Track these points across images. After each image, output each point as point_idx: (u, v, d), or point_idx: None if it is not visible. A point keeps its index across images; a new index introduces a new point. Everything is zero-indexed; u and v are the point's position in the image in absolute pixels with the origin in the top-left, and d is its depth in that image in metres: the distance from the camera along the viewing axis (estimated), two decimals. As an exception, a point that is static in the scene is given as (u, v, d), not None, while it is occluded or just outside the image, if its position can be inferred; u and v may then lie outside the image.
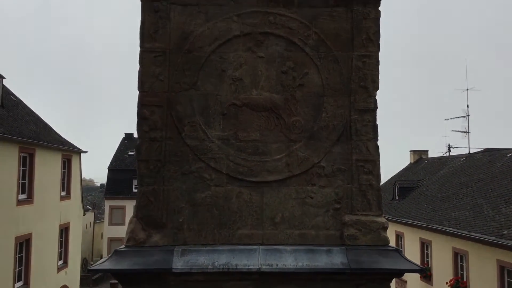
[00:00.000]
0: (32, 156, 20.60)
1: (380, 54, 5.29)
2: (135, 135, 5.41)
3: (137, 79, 5.10)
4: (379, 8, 5.28)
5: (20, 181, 19.70)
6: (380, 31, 5.27)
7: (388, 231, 5.18)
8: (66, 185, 25.00)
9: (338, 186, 5.17)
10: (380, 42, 5.30)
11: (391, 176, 34.41)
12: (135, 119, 5.06)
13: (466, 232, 17.93)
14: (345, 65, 5.23)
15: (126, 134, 51.08)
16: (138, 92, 5.08)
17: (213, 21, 5.18)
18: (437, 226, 20.57)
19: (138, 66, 5.10)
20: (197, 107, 5.13)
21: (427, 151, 34.97)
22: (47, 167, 21.98)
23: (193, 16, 5.18)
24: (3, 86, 20.86)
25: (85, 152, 27.47)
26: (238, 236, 5.04)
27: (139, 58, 5.08)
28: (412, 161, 34.28)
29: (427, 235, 21.94)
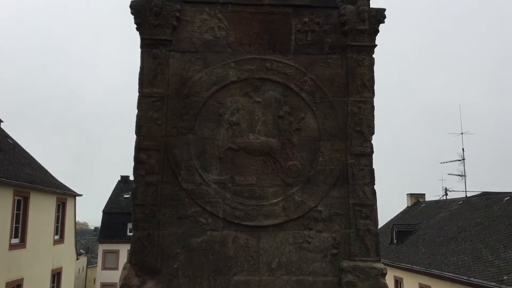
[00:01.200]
0: (26, 200, 20.40)
1: (375, 98, 5.37)
2: (131, 178, 5.40)
3: (134, 123, 5.14)
4: (373, 56, 5.41)
5: (14, 225, 19.41)
6: (375, 77, 5.37)
7: (386, 276, 5.10)
8: (59, 229, 24.63)
9: (335, 231, 5.12)
10: (375, 86, 5.39)
11: (389, 219, 34.15)
12: (132, 162, 5.07)
13: (466, 278, 17.62)
14: (341, 110, 5.31)
15: (122, 176, 50.80)
16: (135, 136, 5.10)
17: (211, 67, 5.29)
18: (436, 271, 20.23)
19: (136, 110, 5.15)
20: (194, 151, 5.15)
21: (424, 194, 34.88)
22: (41, 210, 21.73)
23: (192, 62, 5.29)
24: (1, 129, 20.93)
25: (80, 195, 27.25)
26: (234, 283, 4.94)
27: (138, 103, 5.14)
28: (409, 204, 34.11)
29: (426, 280, 21.53)
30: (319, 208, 5.15)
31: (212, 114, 5.23)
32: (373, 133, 5.27)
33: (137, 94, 5.16)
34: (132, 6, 5.22)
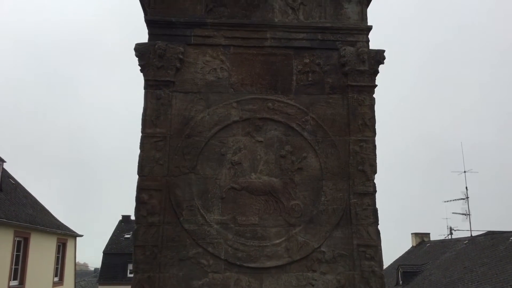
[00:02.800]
0: (27, 241, 20.19)
1: (377, 137, 5.39)
2: (133, 217, 5.35)
3: (136, 163, 5.14)
4: (374, 96, 5.47)
5: (13, 267, 19.11)
6: (376, 117, 5.41)
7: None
8: (59, 270, 24.25)
9: (339, 273, 5.02)
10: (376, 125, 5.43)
11: (394, 259, 33.54)
12: (133, 201, 5.04)
13: (475, 321, 17.10)
14: (343, 149, 5.31)
15: (123, 216, 50.40)
16: (137, 176, 5.10)
17: (213, 107, 5.34)
18: (445, 313, 19.66)
19: (138, 149, 5.17)
20: (196, 191, 5.13)
21: (428, 233, 34.43)
22: (41, 252, 21.46)
23: (194, 102, 5.35)
24: (3, 170, 20.97)
25: (81, 235, 26.98)
26: None
27: (140, 143, 5.17)
28: (414, 244, 33.60)
29: (434, 324, 20.89)
30: (322, 249, 5.07)
31: (214, 154, 5.24)
32: (375, 172, 5.26)
33: (140, 134, 5.19)
34: (136, 49, 5.33)
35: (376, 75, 5.52)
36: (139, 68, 5.35)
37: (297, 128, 5.36)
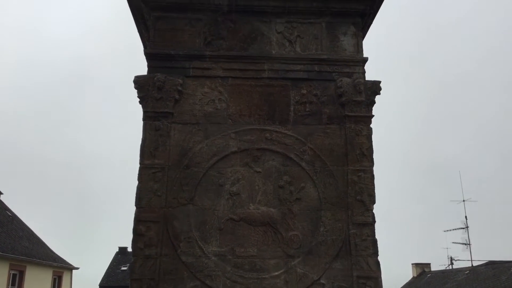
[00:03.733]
0: (22, 274, 19.87)
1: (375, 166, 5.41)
2: (129, 249, 5.29)
3: (134, 194, 5.12)
4: (371, 126, 5.51)
5: (6, 301, 18.73)
6: (373, 147, 5.44)
7: None
8: (54, 304, 23.75)
9: (340, 305, 4.93)
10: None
11: (395, 291, 32.95)
12: (130, 233, 5.00)
13: None
14: (341, 179, 5.31)
15: (120, 248, 49.69)
16: (135, 207, 5.07)
17: (212, 138, 5.37)
18: None
19: (136, 180, 5.16)
20: (194, 222, 5.09)
21: (429, 264, 33.95)
22: (37, 285, 21.08)
23: (193, 133, 5.37)
24: (0, 202, 20.85)
25: (77, 268, 26.57)
26: None
27: (138, 174, 5.16)
28: (415, 275, 33.11)
29: None
30: (322, 281, 5.00)
31: (213, 185, 5.23)
32: (374, 202, 5.25)
33: (138, 165, 5.20)
34: (136, 81, 5.40)
35: (372, 105, 5.58)
36: (138, 100, 5.40)
37: (295, 158, 5.37)
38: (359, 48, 5.76)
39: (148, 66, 5.54)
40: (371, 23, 6.14)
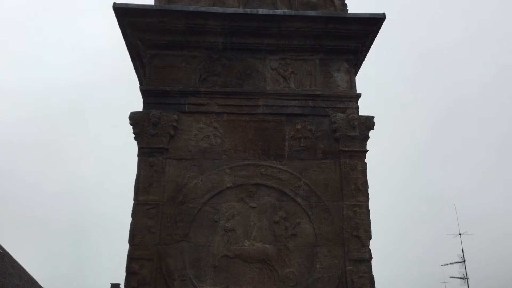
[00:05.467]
0: (11, 312, 19.30)
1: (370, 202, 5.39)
2: (122, 286, 5.18)
3: (128, 230, 5.06)
4: (365, 161, 5.53)
5: None
6: (368, 182, 5.44)
7: None
8: None
9: None
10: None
11: (394, 328, 32.22)
12: (123, 269, 4.91)
13: None
14: (337, 215, 5.28)
15: (112, 284, 48.58)
16: (128, 244, 5.00)
17: (207, 173, 5.35)
18: None
19: (129, 217, 5.11)
20: (188, 259, 5.01)
21: (428, 299, 33.35)
22: (25, 324, 20.46)
23: (188, 169, 5.36)
24: (-9, 237, 20.48)
25: (68, 306, 25.88)
26: None
27: (132, 210, 5.11)
28: (415, 311, 32.44)
29: None
30: (319, 319, 4.89)
31: (207, 221, 5.18)
32: (370, 237, 5.20)
33: (132, 201, 5.16)
34: (131, 117, 5.43)
35: (366, 140, 5.62)
36: (133, 136, 5.41)
37: (290, 194, 5.36)
38: (352, 84, 5.85)
39: (144, 102, 5.58)
40: (363, 59, 6.26)
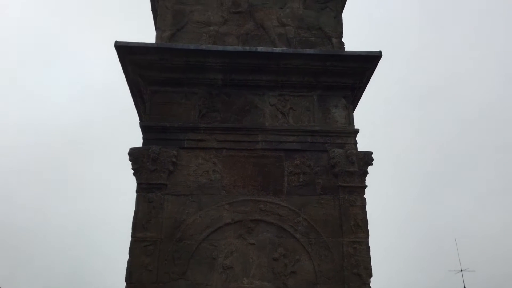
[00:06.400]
0: None
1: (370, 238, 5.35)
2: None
3: (125, 269, 4.99)
4: (364, 196, 5.52)
5: None
6: (368, 219, 5.41)
7: None
8: None
9: None
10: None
11: None
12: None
13: None
14: (337, 252, 5.23)
15: (108, 322, 47.47)
16: (125, 283, 4.92)
17: (205, 209, 5.33)
18: None
19: (126, 254, 5.05)
20: (186, 298, 4.91)
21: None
22: None
23: (186, 205, 5.34)
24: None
25: None
26: None
27: (130, 248, 5.06)
28: None
29: None
30: None
31: (206, 258, 5.12)
32: (371, 275, 5.13)
33: (130, 238, 5.11)
34: (130, 153, 5.44)
35: (365, 175, 5.63)
36: (132, 171, 5.41)
37: (289, 230, 5.31)
38: (350, 120, 5.91)
39: (144, 138, 5.62)
40: (361, 95, 6.35)
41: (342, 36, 6.36)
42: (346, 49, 6.24)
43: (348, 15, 7.28)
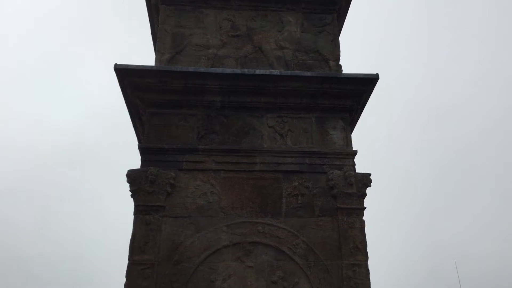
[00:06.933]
0: None
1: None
2: None
3: (122, 292, 4.93)
4: (363, 218, 5.49)
5: None
6: (367, 241, 5.38)
7: None
8: None
9: None
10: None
11: None
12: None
13: None
14: (335, 274, 5.18)
15: None
16: (122, 306, 4.86)
17: (203, 231, 5.29)
18: None
19: (123, 277, 5.00)
20: (183, 326, 4.84)
21: None
22: None
23: (184, 227, 5.31)
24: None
25: None
26: None
27: (127, 271, 5.01)
28: None
29: None
30: None
31: (203, 281, 5.06)
32: (370, 298, 5.07)
33: (127, 261, 5.06)
34: (128, 175, 5.44)
35: (364, 197, 5.62)
36: (130, 194, 5.40)
37: (288, 252, 5.27)
38: (348, 141, 5.93)
39: (142, 160, 5.62)
40: (359, 117, 6.39)
41: (339, 59, 6.43)
42: (344, 72, 6.31)
43: (347, 38, 7.40)
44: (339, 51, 6.50)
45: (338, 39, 6.66)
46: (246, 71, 5.97)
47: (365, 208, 5.58)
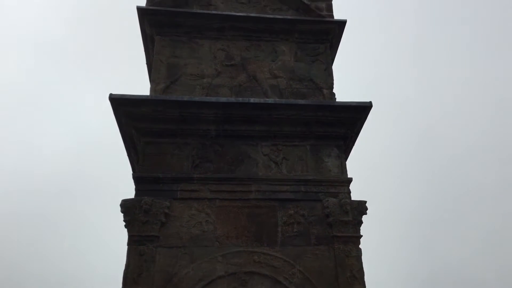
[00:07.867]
0: None
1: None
2: None
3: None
4: (360, 246, 5.45)
5: None
6: (364, 270, 5.32)
7: None
8: None
9: None
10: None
11: None
12: None
13: None
14: (333, 304, 5.09)
15: None
16: None
17: (198, 262, 5.22)
18: None
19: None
20: None
21: None
22: None
23: (178, 257, 5.23)
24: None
25: None
26: None
27: (120, 303, 4.91)
28: None
29: None
30: None
31: (198, 313, 4.95)
32: (369, 329, 4.98)
33: (120, 293, 4.98)
34: (122, 205, 5.39)
35: (360, 225, 5.59)
36: (124, 224, 5.34)
37: (284, 282, 5.20)
38: (343, 169, 5.93)
39: (136, 189, 5.58)
40: (353, 145, 6.41)
41: (333, 87, 6.50)
42: (337, 100, 6.37)
43: (340, 66, 7.50)
44: (333, 79, 6.58)
45: (331, 67, 6.75)
46: (240, 99, 6.02)
47: (362, 236, 5.54)
